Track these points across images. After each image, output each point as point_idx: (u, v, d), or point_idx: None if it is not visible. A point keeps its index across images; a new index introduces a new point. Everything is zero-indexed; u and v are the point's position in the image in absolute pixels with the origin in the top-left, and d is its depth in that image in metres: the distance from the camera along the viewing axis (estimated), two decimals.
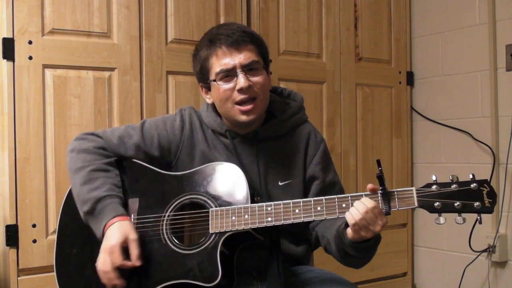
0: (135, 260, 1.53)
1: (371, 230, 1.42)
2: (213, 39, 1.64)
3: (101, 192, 1.59)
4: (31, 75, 2.17)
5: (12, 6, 2.14)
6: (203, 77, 1.69)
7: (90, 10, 2.30)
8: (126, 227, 1.55)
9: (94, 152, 1.67)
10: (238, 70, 1.61)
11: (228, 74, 1.62)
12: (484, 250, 2.91)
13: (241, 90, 1.61)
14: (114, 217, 1.55)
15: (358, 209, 1.42)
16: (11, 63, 2.14)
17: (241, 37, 1.62)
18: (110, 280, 1.52)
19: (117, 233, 1.52)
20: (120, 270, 1.53)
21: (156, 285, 1.54)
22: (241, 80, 1.60)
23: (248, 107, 1.63)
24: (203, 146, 1.71)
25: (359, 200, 1.44)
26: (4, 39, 2.13)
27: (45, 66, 2.21)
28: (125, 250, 1.53)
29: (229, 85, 1.63)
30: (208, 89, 1.71)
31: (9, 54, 2.13)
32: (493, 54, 2.91)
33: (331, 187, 1.73)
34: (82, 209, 1.60)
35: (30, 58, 2.17)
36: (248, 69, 1.62)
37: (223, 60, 1.62)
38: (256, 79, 1.63)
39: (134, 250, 1.53)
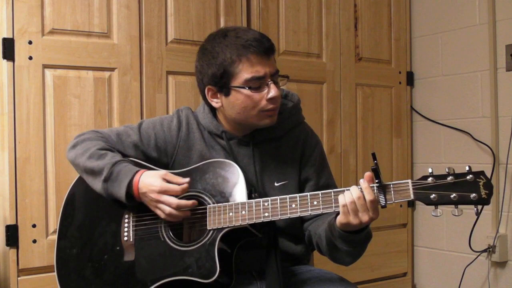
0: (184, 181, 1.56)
1: (359, 217, 1.42)
2: (245, 44, 1.58)
3: (114, 159, 1.60)
4: (31, 75, 2.18)
5: (12, 6, 2.14)
6: (222, 81, 1.61)
7: (90, 10, 2.31)
8: (153, 173, 1.57)
9: (97, 139, 1.68)
10: (268, 80, 1.59)
11: (260, 82, 1.59)
12: (484, 250, 2.91)
13: (272, 99, 1.60)
14: (136, 173, 1.57)
15: (352, 193, 1.42)
16: (11, 63, 2.15)
17: (270, 44, 1.61)
18: (177, 214, 1.54)
19: (152, 180, 1.54)
20: (120, 267, 1.54)
21: (154, 282, 1.54)
22: (273, 90, 1.59)
23: (272, 112, 1.62)
24: (201, 146, 1.71)
25: (359, 187, 1.43)
26: (4, 39, 2.14)
27: (45, 66, 2.21)
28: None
29: (260, 93, 1.59)
30: (224, 93, 1.63)
31: (9, 54, 2.14)
32: (493, 54, 2.91)
33: (324, 189, 1.71)
34: (99, 179, 1.59)
35: (30, 58, 2.18)
36: (275, 78, 1.61)
37: (256, 67, 1.58)
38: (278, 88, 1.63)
39: (176, 179, 1.56)
